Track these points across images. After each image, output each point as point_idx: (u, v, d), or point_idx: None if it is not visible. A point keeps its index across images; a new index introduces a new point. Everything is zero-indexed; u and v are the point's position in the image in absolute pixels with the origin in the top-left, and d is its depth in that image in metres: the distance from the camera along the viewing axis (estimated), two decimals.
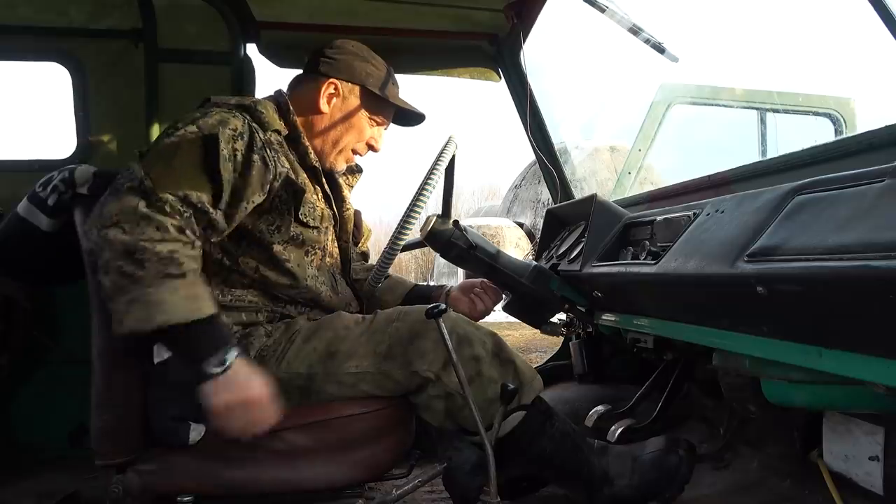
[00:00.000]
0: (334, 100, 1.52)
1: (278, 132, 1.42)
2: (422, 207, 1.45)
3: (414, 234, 1.57)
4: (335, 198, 1.57)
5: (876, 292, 0.73)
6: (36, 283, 1.84)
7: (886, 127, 1.16)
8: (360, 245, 1.75)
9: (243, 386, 1.14)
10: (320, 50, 1.55)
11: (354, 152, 1.58)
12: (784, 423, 1.54)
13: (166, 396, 1.25)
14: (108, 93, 2.20)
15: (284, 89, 1.56)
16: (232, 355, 1.14)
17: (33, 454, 2.01)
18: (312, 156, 1.49)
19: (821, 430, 1.38)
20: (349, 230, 1.63)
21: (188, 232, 1.16)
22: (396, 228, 1.46)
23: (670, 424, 1.88)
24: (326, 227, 1.51)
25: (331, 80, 1.51)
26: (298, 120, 1.48)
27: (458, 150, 1.49)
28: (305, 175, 1.46)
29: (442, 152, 1.45)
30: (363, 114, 1.54)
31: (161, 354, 1.25)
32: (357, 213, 1.70)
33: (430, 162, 1.45)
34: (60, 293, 2.05)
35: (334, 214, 1.55)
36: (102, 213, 1.12)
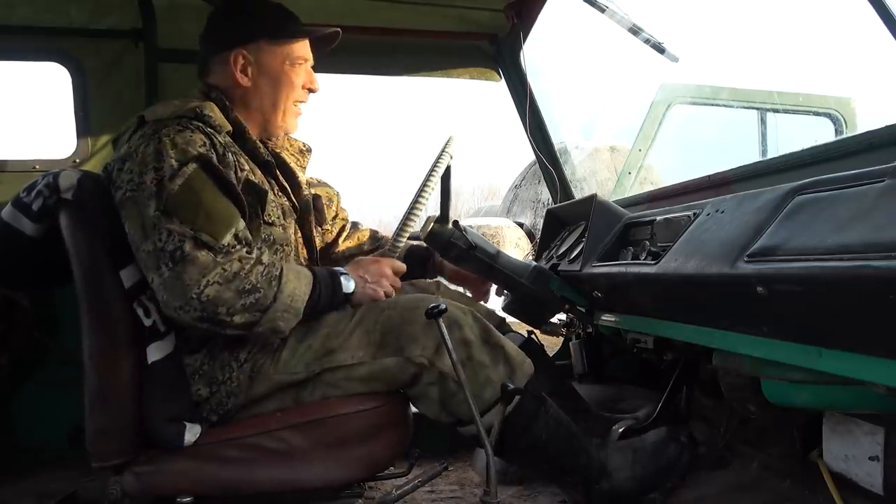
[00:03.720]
0: (249, 68, 1.42)
1: (228, 132, 1.38)
2: (422, 207, 1.45)
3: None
4: (291, 186, 1.52)
5: (876, 292, 0.73)
6: (21, 288, 1.82)
7: (886, 127, 1.16)
8: (330, 221, 1.74)
9: (370, 287, 1.38)
10: (207, 28, 1.48)
11: (297, 103, 1.50)
12: (784, 423, 1.53)
13: (161, 397, 1.24)
14: (108, 93, 2.20)
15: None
16: (347, 276, 1.36)
17: (33, 454, 2.00)
18: (262, 150, 1.44)
19: (821, 430, 1.38)
20: (311, 218, 1.58)
21: (254, 249, 1.31)
22: (397, 228, 1.46)
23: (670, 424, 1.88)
24: (290, 221, 1.48)
25: (233, 51, 1.41)
26: (233, 106, 1.42)
27: (456, 153, 1.48)
28: (261, 172, 1.42)
29: (442, 152, 1.46)
30: (284, 64, 1.44)
31: (154, 355, 1.24)
32: (316, 197, 1.65)
33: (430, 162, 1.46)
34: (60, 293, 2.04)
35: (294, 205, 1.51)
36: (185, 282, 1.17)
